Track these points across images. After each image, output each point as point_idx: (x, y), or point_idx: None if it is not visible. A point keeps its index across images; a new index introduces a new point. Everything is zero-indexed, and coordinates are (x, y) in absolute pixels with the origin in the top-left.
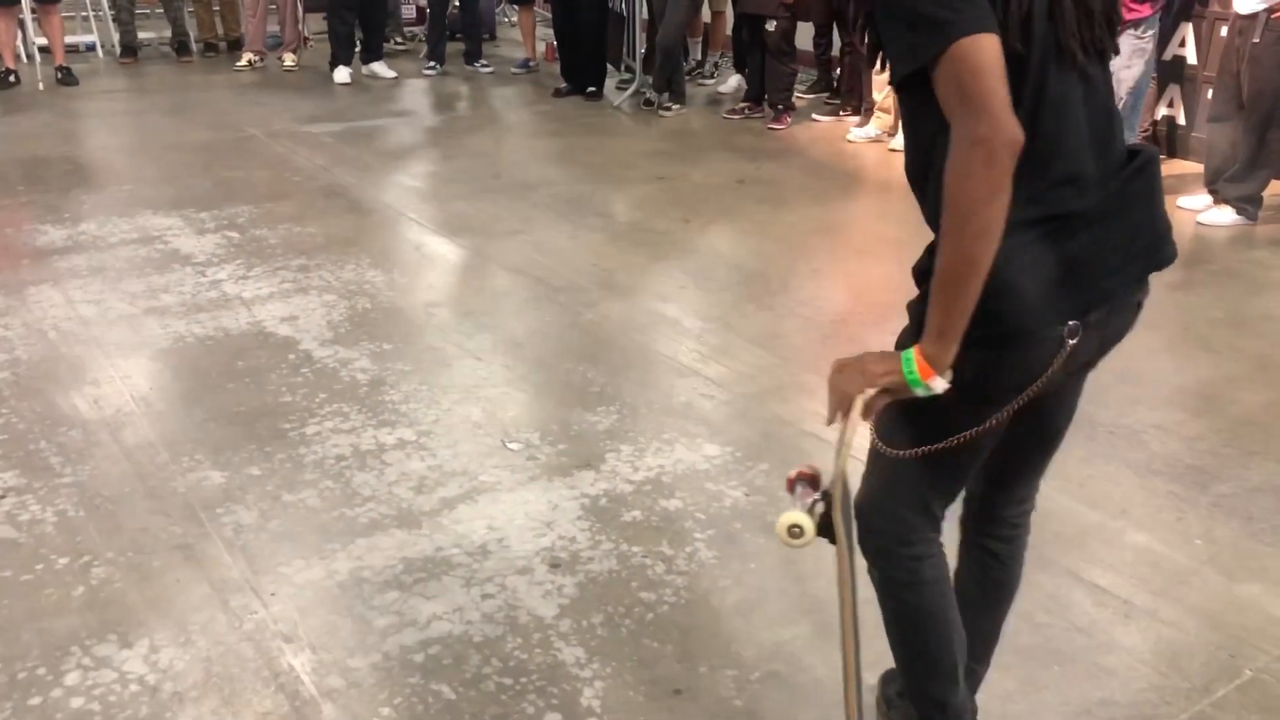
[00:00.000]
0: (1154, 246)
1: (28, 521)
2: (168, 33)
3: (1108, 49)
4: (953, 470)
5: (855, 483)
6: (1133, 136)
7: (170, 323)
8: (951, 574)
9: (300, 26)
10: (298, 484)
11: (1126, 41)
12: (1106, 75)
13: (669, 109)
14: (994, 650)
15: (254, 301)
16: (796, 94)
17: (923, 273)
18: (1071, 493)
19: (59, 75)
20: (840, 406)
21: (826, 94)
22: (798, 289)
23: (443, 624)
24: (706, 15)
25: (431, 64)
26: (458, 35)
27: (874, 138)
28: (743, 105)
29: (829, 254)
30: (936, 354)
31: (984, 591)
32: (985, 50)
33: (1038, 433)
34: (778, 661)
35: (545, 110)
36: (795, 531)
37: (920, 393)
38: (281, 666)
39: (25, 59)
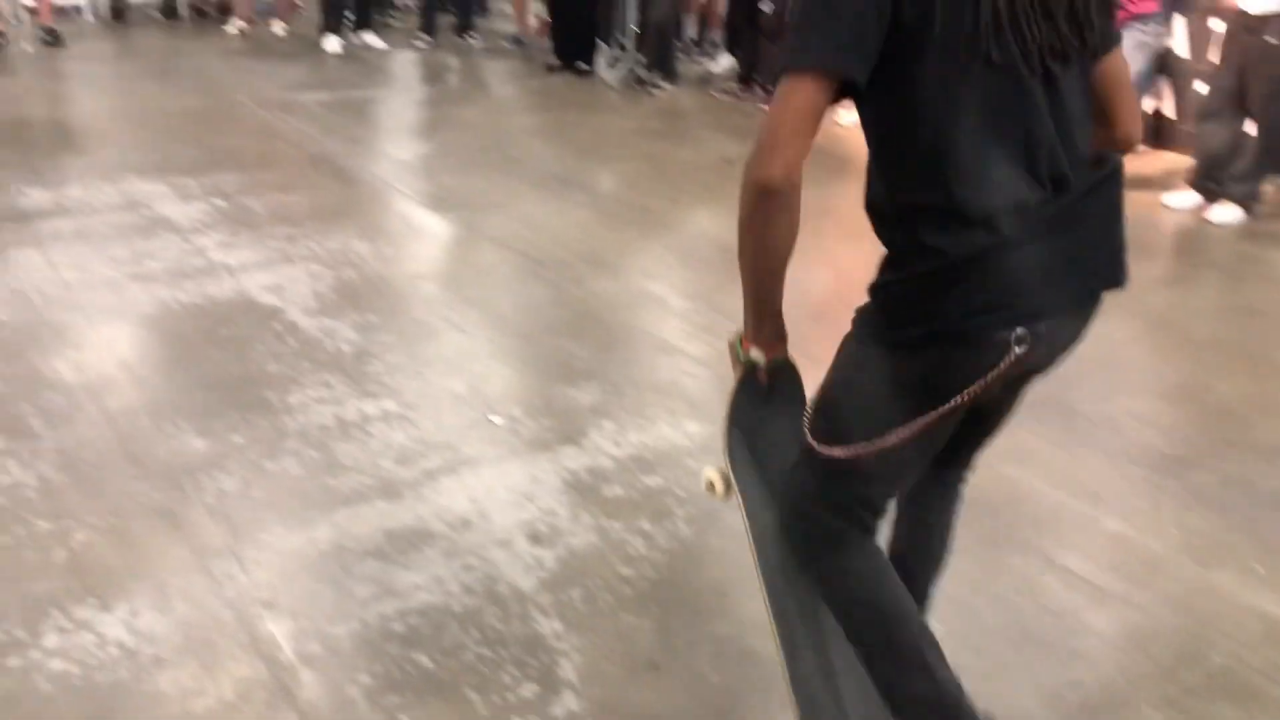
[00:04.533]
0: (1109, 264)
1: (9, 484)
2: None
3: (1071, 53)
4: (886, 470)
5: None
6: None
7: (155, 289)
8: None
9: None
10: (280, 452)
11: (1131, 36)
12: (1076, 78)
13: (659, 87)
14: (927, 613)
15: (239, 270)
16: None
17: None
18: (1046, 477)
19: (45, 37)
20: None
21: None
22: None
23: (423, 594)
24: None
25: (423, 36)
26: (449, 6)
27: None
28: (734, 85)
29: (816, 235)
30: (751, 332)
31: (916, 557)
32: (805, 93)
33: (974, 431)
34: (754, 638)
35: (535, 86)
36: (710, 487)
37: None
38: (261, 633)
39: (13, 20)
